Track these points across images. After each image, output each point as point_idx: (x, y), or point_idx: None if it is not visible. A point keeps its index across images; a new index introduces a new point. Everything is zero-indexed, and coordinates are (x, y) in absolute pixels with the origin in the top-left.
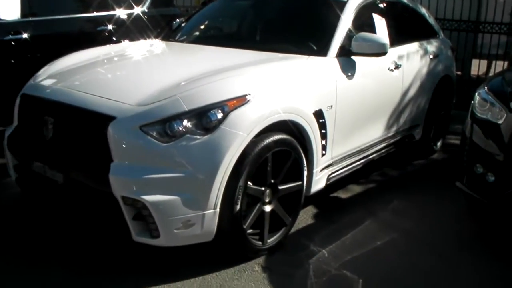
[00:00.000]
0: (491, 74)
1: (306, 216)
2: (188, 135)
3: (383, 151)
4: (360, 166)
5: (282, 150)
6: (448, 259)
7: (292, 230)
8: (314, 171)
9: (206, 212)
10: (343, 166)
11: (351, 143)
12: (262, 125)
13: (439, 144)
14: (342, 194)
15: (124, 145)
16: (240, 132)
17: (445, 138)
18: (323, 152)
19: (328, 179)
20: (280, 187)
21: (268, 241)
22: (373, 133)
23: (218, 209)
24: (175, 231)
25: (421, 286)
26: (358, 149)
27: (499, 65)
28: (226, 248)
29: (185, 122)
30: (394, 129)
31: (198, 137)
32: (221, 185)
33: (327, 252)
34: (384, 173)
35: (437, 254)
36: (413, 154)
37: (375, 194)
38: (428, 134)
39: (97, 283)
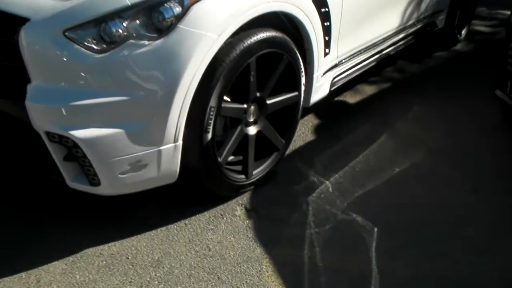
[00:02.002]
0: None
1: (304, 130)
2: (132, 41)
3: (401, 43)
4: (373, 64)
5: (271, 52)
6: (485, 194)
7: (287, 151)
8: (315, 75)
9: (163, 147)
10: (351, 65)
11: (362, 37)
12: (240, 21)
13: (463, 32)
14: (350, 98)
15: (42, 59)
16: (208, 32)
17: (470, 25)
18: (327, 50)
19: (332, 83)
20: (268, 102)
21: (254, 172)
22: (389, 22)
23: (180, 142)
24: (120, 176)
25: (457, 236)
26: (370, 43)
27: None
28: (196, 188)
29: (127, 22)
30: (414, 16)
31: (146, 42)
32: (182, 109)
33: (331, 185)
34: (399, 68)
35: (471, 188)
36: (433, 45)
37: (390, 97)
38: (453, 21)
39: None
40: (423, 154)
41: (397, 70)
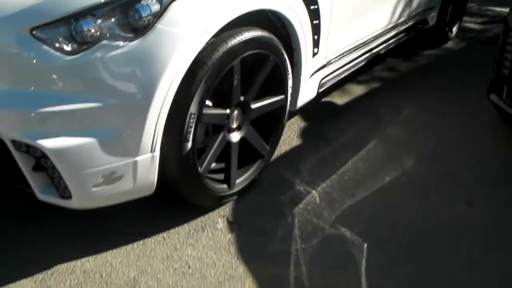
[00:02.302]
0: None
1: (290, 134)
2: (105, 42)
3: (392, 41)
4: (363, 63)
5: (257, 53)
6: (480, 207)
7: (272, 157)
8: (302, 77)
9: (139, 158)
10: (340, 65)
11: (353, 35)
12: (224, 20)
13: (454, 29)
14: (338, 98)
15: (7, 60)
16: (188, 32)
17: (461, 22)
18: (315, 50)
19: (320, 85)
20: (253, 106)
21: (237, 181)
22: (380, 19)
23: (157, 152)
24: (93, 189)
25: (452, 251)
26: (361, 41)
27: None
28: (175, 198)
29: (100, 21)
30: (406, 13)
31: (121, 43)
32: (160, 116)
33: (318, 195)
34: (389, 67)
35: (465, 199)
36: (423, 42)
37: (380, 97)
38: (444, 18)
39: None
40: (415, 161)
41: (386, 69)
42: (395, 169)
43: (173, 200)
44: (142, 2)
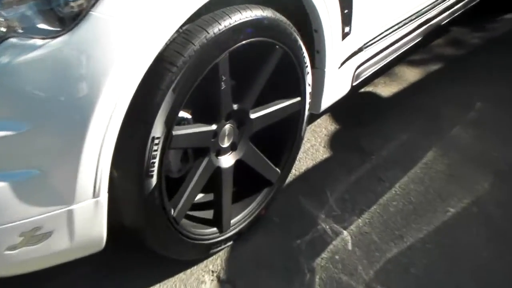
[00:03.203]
0: None
1: (314, 142)
2: (14, 40)
3: (458, 7)
4: (418, 39)
5: (255, 43)
6: None
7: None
8: (328, 68)
9: (75, 206)
10: (384, 46)
11: (400, 4)
12: None
13: None
14: (383, 88)
15: None
16: (143, 18)
17: None
18: (346, 29)
19: (355, 76)
20: (253, 116)
21: (234, 221)
22: None
23: (103, 196)
24: (6, 252)
25: None
26: (414, 11)
27: None
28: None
29: (8, 11)
30: None
31: (39, 41)
32: (104, 145)
33: (350, 237)
34: (454, 40)
35: None
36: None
37: (442, 86)
38: None
39: None
40: (492, 183)
41: (451, 43)
42: (463, 196)
43: (140, 248)
44: None
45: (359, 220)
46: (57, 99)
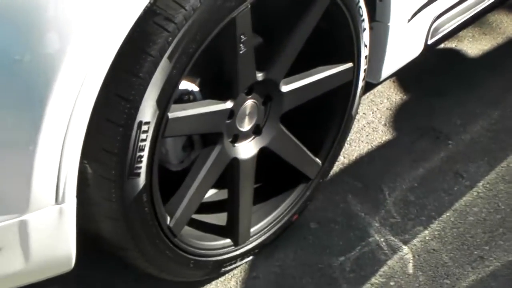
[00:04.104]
0: None
1: (372, 119)
2: None
3: None
4: None
5: None
6: None
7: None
8: (392, 22)
9: (28, 216)
10: None
11: None
12: None
13: None
14: (471, 45)
15: None
16: None
17: None
18: None
19: (432, 31)
20: (285, 89)
21: (253, 229)
22: None
23: (70, 202)
24: None
25: None
26: None
27: None
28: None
29: None
30: None
31: None
32: (68, 132)
33: (413, 256)
34: None
35: None
36: None
37: None
38: None
39: None
40: None
41: None
42: None
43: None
44: None
45: (426, 232)
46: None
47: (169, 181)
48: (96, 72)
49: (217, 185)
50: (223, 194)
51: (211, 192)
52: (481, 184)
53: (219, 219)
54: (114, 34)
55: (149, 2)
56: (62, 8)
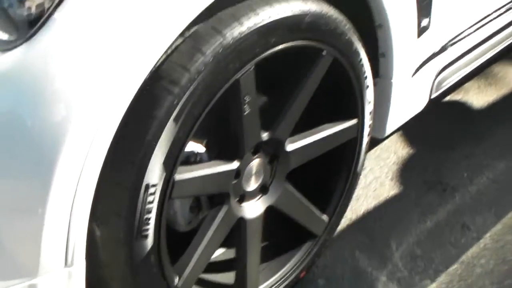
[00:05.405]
0: None
1: (379, 173)
2: None
3: None
4: None
5: (294, 48)
6: None
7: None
8: (396, 77)
9: (38, 279)
10: (476, 43)
11: None
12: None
13: None
14: (476, 96)
15: None
16: (129, 21)
17: None
18: (423, 22)
19: (436, 85)
20: (290, 148)
21: (261, 287)
22: None
23: (79, 265)
24: None
25: None
26: None
27: None
28: None
29: None
30: None
31: None
32: (76, 195)
33: None
34: None
35: None
36: None
37: None
38: None
39: None
40: None
41: None
42: None
43: None
44: None
45: (433, 285)
46: (8, 138)
47: (177, 241)
48: (102, 137)
49: (224, 244)
50: (231, 253)
51: (219, 251)
52: (488, 235)
53: (227, 277)
54: (120, 99)
55: (154, 66)
56: (69, 79)
